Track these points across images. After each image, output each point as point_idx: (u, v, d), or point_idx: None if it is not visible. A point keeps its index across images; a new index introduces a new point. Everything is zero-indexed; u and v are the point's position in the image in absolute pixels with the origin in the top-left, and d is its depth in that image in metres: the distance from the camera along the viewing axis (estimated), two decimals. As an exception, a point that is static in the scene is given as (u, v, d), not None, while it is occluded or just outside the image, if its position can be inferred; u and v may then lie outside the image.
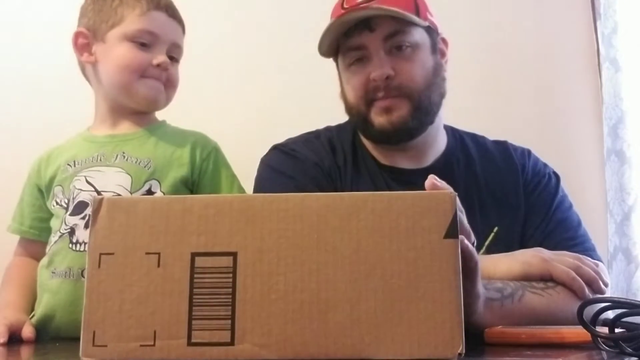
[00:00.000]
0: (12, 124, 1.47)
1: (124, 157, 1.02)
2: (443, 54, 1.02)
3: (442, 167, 1.02)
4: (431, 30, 0.99)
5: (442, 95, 1.00)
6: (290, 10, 1.47)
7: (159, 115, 1.13)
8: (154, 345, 0.50)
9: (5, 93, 1.49)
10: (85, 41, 1.06)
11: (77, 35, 1.06)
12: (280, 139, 1.14)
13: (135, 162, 1.02)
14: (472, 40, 1.41)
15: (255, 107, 1.44)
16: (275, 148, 1.06)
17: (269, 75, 1.44)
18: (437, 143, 1.05)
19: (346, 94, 1.01)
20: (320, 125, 1.15)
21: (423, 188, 0.98)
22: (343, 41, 0.97)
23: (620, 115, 1.25)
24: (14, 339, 0.87)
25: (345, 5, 0.95)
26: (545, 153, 1.29)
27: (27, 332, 0.89)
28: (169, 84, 1.06)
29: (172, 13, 1.05)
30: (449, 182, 0.98)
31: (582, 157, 1.34)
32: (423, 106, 0.96)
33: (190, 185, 1.04)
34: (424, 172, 1.01)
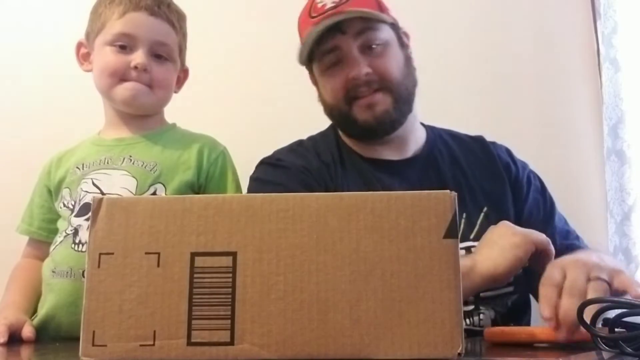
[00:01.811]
0: (17, 127, 1.47)
1: (131, 160, 1.02)
2: (407, 47, 1.06)
3: (426, 157, 1.05)
4: (395, 26, 1.03)
5: (414, 85, 1.04)
6: (294, 12, 1.47)
7: (169, 118, 1.13)
8: (153, 345, 0.50)
9: (9, 93, 1.49)
10: (86, 50, 1.08)
11: (78, 46, 1.09)
12: (283, 141, 1.15)
13: (142, 166, 1.02)
14: (472, 40, 1.40)
15: (258, 109, 1.43)
16: (262, 163, 1.07)
17: (272, 76, 1.44)
18: (416, 134, 1.08)
19: (325, 97, 1.04)
20: (322, 126, 1.16)
21: (409, 177, 1.00)
22: (316, 47, 0.99)
23: (620, 115, 1.25)
24: (14, 339, 0.87)
25: (312, 15, 0.99)
26: (545, 153, 1.29)
27: (27, 332, 0.89)
28: (156, 84, 1.04)
29: (155, 11, 1.03)
30: (435, 171, 1.03)
31: (582, 157, 1.33)
32: (403, 97, 1.00)
33: (196, 188, 1.04)
34: (409, 162, 1.05)
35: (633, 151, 1.24)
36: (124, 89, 1.02)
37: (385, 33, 1.00)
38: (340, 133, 1.08)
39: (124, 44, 1.01)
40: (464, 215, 0.97)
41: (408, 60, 1.03)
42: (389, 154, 1.05)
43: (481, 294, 0.93)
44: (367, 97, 0.98)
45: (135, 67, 1.01)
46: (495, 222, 0.92)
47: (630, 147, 1.25)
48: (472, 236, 0.97)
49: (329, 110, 1.04)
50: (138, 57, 1.01)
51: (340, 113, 1.01)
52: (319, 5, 0.99)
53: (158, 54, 1.04)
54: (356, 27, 0.97)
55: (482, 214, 0.98)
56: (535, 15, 1.42)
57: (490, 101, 1.39)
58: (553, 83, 1.39)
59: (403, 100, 1.00)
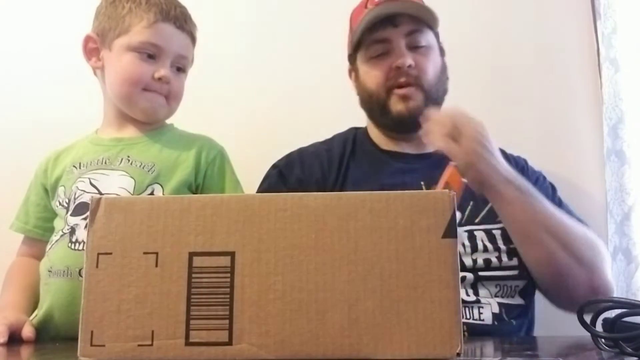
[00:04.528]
0: (13, 123, 1.47)
1: (129, 160, 1.02)
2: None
3: (442, 154, 1.09)
4: (437, 36, 1.11)
5: (445, 92, 1.11)
6: (295, 12, 1.46)
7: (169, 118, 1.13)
8: (151, 345, 0.50)
9: (7, 92, 1.49)
10: (95, 46, 1.06)
11: (87, 39, 1.07)
12: (281, 142, 1.15)
13: (140, 166, 1.02)
14: (472, 40, 1.40)
15: (258, 110, 1.43)
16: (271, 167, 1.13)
17: (273, 77, 1.44)
18: None
19: (366, 84, 1.09)
20: (323, 126, 1.16)
21: (421, 165, 1.05)
22: (367, 35, 1.06)
23: (620, 115, 1.24)
24: (14, 339, 0.87)
25: (369, 5, 1.05)
26: (545, 153, 1.29)
27: (27, 332, 0.90)
28: (172, 96, 1.05)
29: (181, 24, 1.04)
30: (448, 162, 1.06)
31: (582, 157, 1.33)
32: (433, 97, 1.06)
33: (194, 188, 1.04)
34: (424, 155, 1.09)
35: (633, 151, 1.24)
36: (147, 100, 1.03)
37: (430, 38, 1.08)
38: (367, 128, 1.15)
39: (151, 53, 1.02)
40: (471, 203, 1.00)
41: (444, 68, 1.11)
42: (408, 149, 1.11)
43: (480, 273, 0.95)
44: (404, 87, 1.04)
45: (159, 79, 1.02)
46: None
47: (630, 147, 1.24)
48: (477, 220, 1.00)
49: (367, 98, 1.09)
50: (163, 69, 1.02)
51: (378, 101, 1.07)
52: None
53: (177, 67, 1.06)
54: (408, 25, 1.05)
55: (490, 204, 1.00)
56: (536, 15, 1.41)
57: (490, 101, 1.39)
58: (553, 83, 1.38)
59: (432, 101, 1.06)
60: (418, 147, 1.11)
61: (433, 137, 0.91)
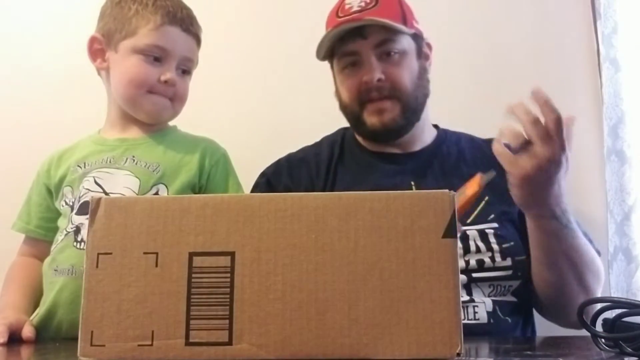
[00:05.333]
0: (14, 123, 1.47)
1: (134, 160, 1.03)
2: (427, 57, 1.10)
3: (431, 152, 1.10)
4: (417, 37, 1.06)
5: (426, 96, 1.08)
6: (295, 13, 1.46)
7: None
8: (151, 345, 0.50)
9: (8, 92, 1.49)
10: (100, 47, 1.06)
11: (92, 40, 1.06)
12: (283, 144, 1.15)
13: (145, 166, 1.02)
14: (471, 40, 1.40)
15: (258, 112, 1.43)
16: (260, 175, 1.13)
17: (274, 80, 1.44)
18: (424, 135, 1.12)
19: (341, 95, 1.09)
20: (324, 128, 1.16)
21: (410, 166, 1.05)
22: (338, 46, 1.04)
23: (620, 115, 1.24)
24: (14, 339, 0.87)
25: (340, 14, 1.03)
26: (545, 153, 1.29)
27: (27, 332, 0.90)
28: (177, 98, 1.05)
29: (187, 27, 1.04)
30: (439, 162, 1.07)
31: (582, 157, 1.33)
32: (411, 107, 1.04)
33: (197, 189, 1.05)
34: (413, 155, 1.08)
35: (633, 151, 1.24)
36: (151, 103, 1.03)
37: (404, 43, 1.03)
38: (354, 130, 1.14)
39: (157, 56, 1.02)
40: None
41: (423, 71, 1.07)
42: (396, 149, 1.10)
43: (473, 275, 0.95)
44: (376, 102, 1.02)
45: (165, 82, 1.02)
46: (499, 210, 0.99)
47: (630, 147, 1.24)
48: (468, 221, 0.98)
49: (343, 108, 1.09)
50: (169, 72, 1.02)
51: (352, 112, 1.06)
52: (347, 6, 1.03)
53: (183, 69, 1.06)
54: (377, 35, 1.01)
55: (484, 202, 1.00)
56: (535, 15, 1.41)
57: (490, 101, 1.39)
58: (553, 83, 1.38)
59: (411, 110, 1.04)
60: (405, 147, 1.09)
61: (503, 131, 0.86)
